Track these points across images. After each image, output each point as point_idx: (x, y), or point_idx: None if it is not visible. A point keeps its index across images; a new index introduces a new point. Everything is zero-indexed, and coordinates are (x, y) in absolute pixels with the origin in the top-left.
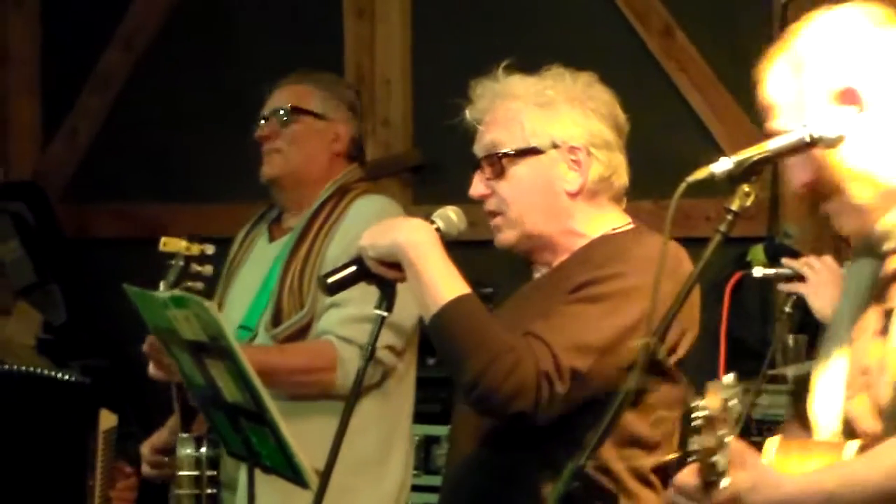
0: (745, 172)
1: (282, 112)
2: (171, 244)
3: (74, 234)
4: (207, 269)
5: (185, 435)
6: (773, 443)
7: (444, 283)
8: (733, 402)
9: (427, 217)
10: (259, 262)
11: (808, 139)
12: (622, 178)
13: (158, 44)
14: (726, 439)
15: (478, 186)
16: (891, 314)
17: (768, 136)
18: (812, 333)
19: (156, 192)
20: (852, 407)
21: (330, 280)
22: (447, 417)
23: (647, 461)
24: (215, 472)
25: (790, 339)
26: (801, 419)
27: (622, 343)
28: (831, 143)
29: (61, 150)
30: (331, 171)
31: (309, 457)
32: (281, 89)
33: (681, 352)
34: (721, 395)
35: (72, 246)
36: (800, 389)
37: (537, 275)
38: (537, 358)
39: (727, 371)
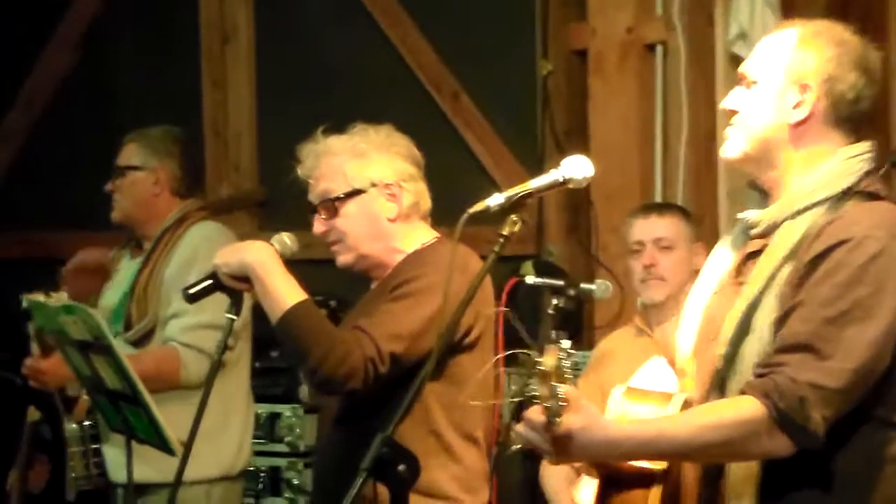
0: (513, 205)
1: (116, 170)
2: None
3: None
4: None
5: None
6: (619, 389)
7: (286, 292)
8: (565, 361)
9: (267, 241)
10: (123, 276)
11: (561, 179)
12: (427, 201)
13: (55, 105)
14: (558, 390)
15: (318, 226)
16: (742, 288)
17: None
18: (571, 329)
19: (53, 221)
20: (701, 354)
21: (190, 291)
22: (287, 398)
23: (470, 421)
24: (97, 445)
25: (553, 334)
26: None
27: (428, 329)
28: (579, 184)
29: None
30: (160, 208)
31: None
32: (122, 148)
33: (477, 330)
34: (555, 355)
35: None
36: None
37: (373, 286)
38: (363, 346)
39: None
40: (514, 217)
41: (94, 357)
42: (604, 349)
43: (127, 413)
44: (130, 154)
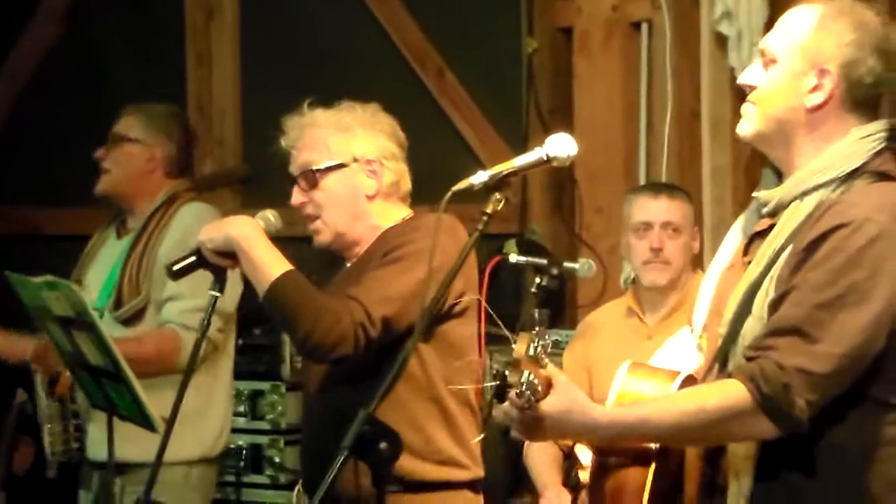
0: (497, 183)
1: (111, 138)
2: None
3: None
4: None
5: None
6: (625, 365)
7: (271, 263)
8: (538, 348)
9: (252, 217)
10: (108, 255)
11: (545, 157)
12: (407, 183)
13: (39, 79)
14: (531, 377)
15: (297, 197)
16: (747, 267)
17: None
18: (553, 308)
19: (35, 197)
20: (711, 330)
21: (175, 268)
22: (270, 376)
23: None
24: (78, 421)
25: (536, 313)
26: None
27: (420, 292)
28: (563, 162)
29: None
30: (150, 185)
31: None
32: (121, 117)
33: (467, 298)
34: (526, 341)
35: None
36: None
37: (348, 264)
38: (353, 312)
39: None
40: (497, 195)
41: (77, 333)
42: (590, 322)
43: (109, 390)
44: (130, 125)
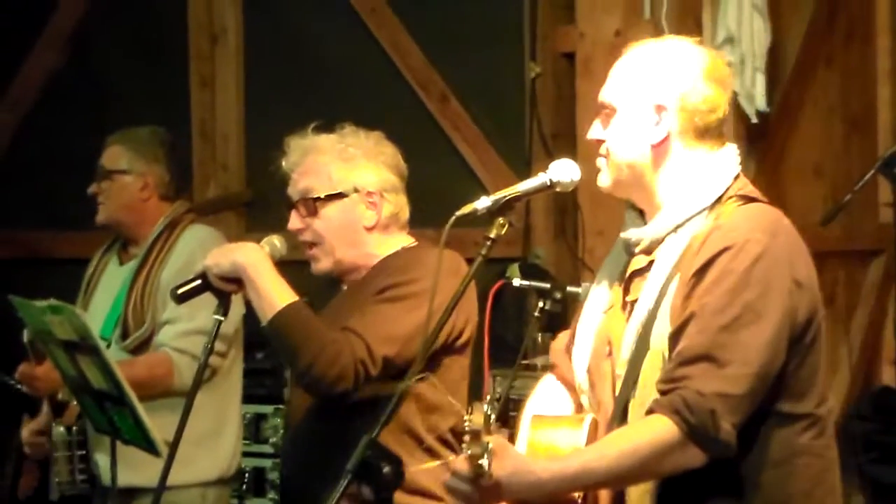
0: (501, 208)
1: (100, 172)
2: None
3: None
4: None
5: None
6: (526, 419)
7: (277, 293)
8: (490, 414)
9: (257, 242)
10: (111, 282)
11: (548, 182)
12: (406, 213)
13: (42, 105)
14: (490, 445)
15: (294, 222)
16: (632, 306)
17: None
18: (556, 332)
19: (39, 222)
20: (596, 373)
21: (180, 291)
22: (272, 399)
23: (446, 424)
24: (84, 451)
25: (539, 337)
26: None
27: (419, 333)
28: (566, 187)
29: None
30: (148, 212)
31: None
32: (105, 149)
33: (467, 334)
34: (481, 411)
35: None
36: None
37: (345, 287)
38: (354, 348)
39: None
40: (501, 220)
41: (80, 357)
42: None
43: (112, 414)
44: (116, 157)
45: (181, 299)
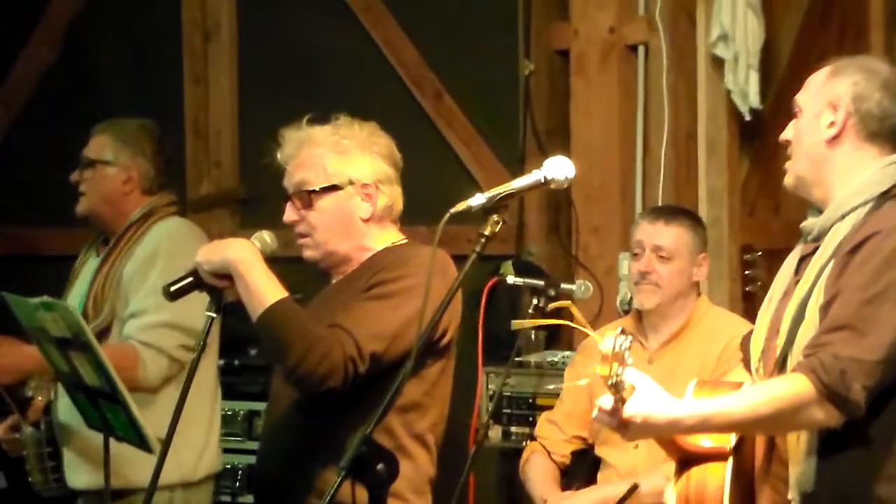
0: (495, 205)
1: (83, 161)
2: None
3: None
4: None
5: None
6: (692, 384)
7: (267, 289)
8: (623, 345)
9: (248, 238)
10: (85, 274)
11: (543, 180)
12: (400, 205)
13: (35, 101)
14: (619, 370)
15: (290, 214)
16: (797, 286)
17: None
18: (549, 330)
19: (32, 218)
20: (768, 353)
21: (171, 289)
22: (265, 396)
23: (423, 423)
24: (52, 448)
25: (532, 334)
26: (745, 362)
27: (408, 330)
28: (561, 185)
29: None
30: (128, 205)
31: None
32: (91, 138)
33: (450, 334)
34: (613, 340)
35: None
36: (746, 338)
37: (334, 280)
38: (343, 345)
39: (485, 357)
40: (495, 217)
41: (73, 354)
42: (592, 342)
43: (105, 410)
44: (101, 146)
45: (173, 296)
